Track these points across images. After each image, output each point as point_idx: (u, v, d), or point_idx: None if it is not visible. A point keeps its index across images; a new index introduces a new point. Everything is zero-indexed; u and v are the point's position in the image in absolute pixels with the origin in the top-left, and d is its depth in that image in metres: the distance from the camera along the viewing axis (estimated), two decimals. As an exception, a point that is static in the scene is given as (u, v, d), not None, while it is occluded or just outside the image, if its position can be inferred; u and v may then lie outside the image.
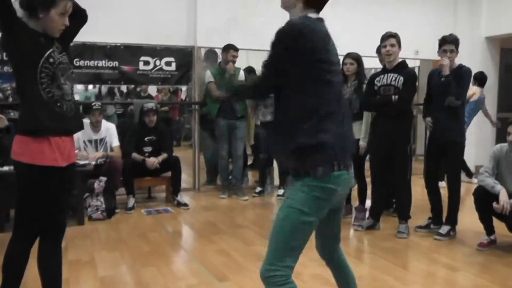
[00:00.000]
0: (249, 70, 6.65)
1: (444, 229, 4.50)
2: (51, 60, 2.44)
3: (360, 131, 4.89)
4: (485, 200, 4.02)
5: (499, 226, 4.22)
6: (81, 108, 6.38)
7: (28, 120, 2.46)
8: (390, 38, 4.52)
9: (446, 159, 4.57)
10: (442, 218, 4.69)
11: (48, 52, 2.43)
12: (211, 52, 7.33)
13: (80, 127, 2.69)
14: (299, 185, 2.02)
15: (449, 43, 4.42)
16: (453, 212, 4.54)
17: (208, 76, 6.22)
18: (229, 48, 6.05)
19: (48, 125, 2.43)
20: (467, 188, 4.63)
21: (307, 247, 2.04)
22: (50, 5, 2.40)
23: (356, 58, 4.99)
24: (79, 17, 2.63)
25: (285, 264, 2.00)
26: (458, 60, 4.47)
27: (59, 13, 2.43)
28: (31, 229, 2.53)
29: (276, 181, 6.82)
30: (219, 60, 6.65)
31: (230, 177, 6.38)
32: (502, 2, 8.00)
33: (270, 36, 2.01)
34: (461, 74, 4.41)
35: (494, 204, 3.90)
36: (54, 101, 2.45)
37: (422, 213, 4.88)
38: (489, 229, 4.22)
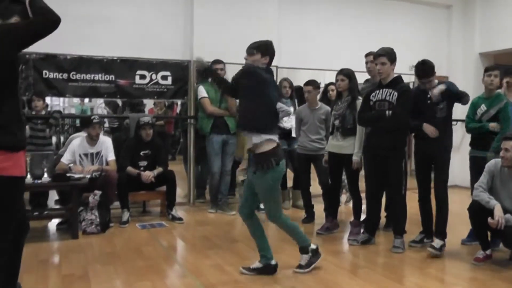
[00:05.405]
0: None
1: (438, 243, 4.45)
2: None
3: (354, 146, 4.91)
4: (480, 215, 4.03)
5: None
6: (78, 121, 6.34)
7: None
8: (379, 57, 4.54)
9: (434, 171, 4.58)
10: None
11: None
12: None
13: None
14: None
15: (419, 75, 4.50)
16: (443, 224, 4.50)
17: (201, 91, 6.21)
18: (214, 62, 6.03)
19: None
20: (462, 201, 4.61)
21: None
22: None
23: (347, 74, 5.01)
24: None
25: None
26: (452, 77, 4.48)
27: None
28: None
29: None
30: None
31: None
32: (495, 19, 8.09)
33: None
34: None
35: (489, 220, 3.90)
36: None
37: (417, 228, 4.86)
38: (485, 244, 4.22)
